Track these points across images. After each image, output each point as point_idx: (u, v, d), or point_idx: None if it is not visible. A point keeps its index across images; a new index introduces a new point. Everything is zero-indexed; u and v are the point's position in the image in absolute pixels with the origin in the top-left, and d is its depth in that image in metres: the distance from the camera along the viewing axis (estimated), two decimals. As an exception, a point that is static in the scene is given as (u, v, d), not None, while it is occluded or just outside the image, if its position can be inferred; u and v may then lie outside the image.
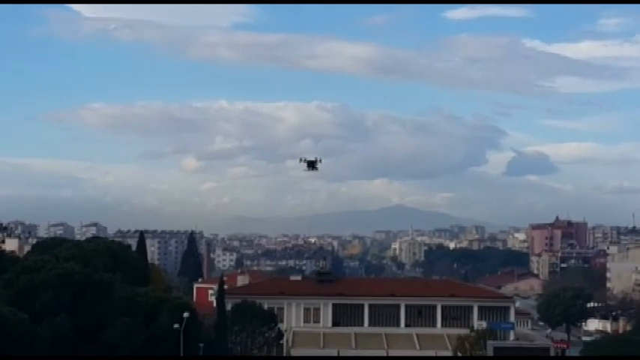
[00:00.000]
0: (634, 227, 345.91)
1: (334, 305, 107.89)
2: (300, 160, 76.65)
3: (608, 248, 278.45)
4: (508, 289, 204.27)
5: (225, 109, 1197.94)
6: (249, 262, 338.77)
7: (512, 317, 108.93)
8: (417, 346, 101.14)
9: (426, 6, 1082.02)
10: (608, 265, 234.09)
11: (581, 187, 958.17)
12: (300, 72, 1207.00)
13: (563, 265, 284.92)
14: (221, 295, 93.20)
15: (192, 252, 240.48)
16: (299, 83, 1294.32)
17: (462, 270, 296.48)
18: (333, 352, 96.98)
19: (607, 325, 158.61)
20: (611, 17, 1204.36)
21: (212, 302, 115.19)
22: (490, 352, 70.92)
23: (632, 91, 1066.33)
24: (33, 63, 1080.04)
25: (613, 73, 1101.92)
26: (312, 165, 76.08)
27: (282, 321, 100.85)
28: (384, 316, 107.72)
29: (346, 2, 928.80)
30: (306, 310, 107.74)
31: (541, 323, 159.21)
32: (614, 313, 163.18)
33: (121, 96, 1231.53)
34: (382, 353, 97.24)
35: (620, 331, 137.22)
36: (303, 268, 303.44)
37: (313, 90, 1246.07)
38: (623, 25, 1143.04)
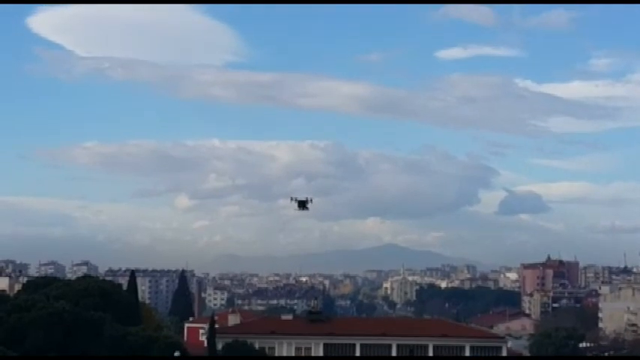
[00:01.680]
0: (625, 267, 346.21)
1: (325, 345, 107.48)
2: (292, 199, 76.84)
3: (600, 288, 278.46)
4: (500, 328, 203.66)
5: (218, 148, 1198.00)
6: (240, 302, 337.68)
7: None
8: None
9: (419, 45, 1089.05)
10: (600, 305, 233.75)
11: (572, 226, 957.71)
12: (293, 110, 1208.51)
13: (555, 305, 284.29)
14: (212, 334, 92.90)
15: (184, 291, 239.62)
16: (292, 122, 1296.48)
17: (454, 309, 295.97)
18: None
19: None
20: (601, 57, 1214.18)
21: (203, 342, 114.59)
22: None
23: (624, 130, 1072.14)
24: (26, 101, 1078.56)
25: (605, 112, 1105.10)
26: (303, 205, 76.28)
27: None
28: (375, 355, 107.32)
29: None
30: (298, 349, 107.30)
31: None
32: (606, 354, 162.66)
33: (115, 135, 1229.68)
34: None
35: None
36: (295, 307, 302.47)
37: (306, 128, 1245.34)
38: (614, 65, 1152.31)
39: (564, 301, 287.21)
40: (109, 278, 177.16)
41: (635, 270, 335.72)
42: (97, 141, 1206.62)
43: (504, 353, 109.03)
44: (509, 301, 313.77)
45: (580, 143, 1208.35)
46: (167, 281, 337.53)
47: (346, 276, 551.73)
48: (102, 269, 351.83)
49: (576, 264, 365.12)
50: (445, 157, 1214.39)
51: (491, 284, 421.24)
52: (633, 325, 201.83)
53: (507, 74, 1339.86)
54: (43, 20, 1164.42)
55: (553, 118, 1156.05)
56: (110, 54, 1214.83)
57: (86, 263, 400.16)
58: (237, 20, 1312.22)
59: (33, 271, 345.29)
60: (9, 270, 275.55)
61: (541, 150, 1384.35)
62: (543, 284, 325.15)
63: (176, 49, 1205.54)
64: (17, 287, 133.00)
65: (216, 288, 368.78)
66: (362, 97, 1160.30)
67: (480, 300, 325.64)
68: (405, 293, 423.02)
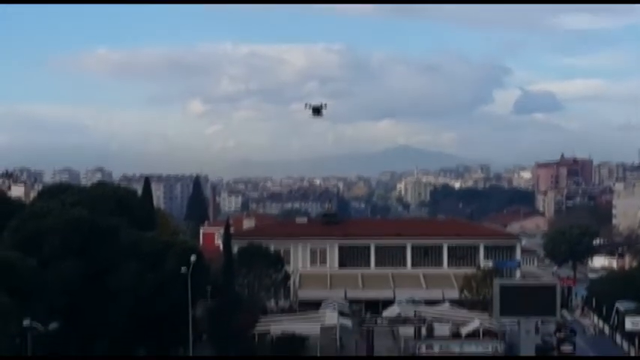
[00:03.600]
0: (639, 163, 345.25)
1: (340, 247, 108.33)
2: (306, 105, 76.01)
3: (614, 185, 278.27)
4: (514, 227, 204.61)
5: (231, 53, 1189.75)
6: (254, 205, 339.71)
7: (518, 256, 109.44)
8: (424, 286, 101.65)
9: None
10: (613, 202, 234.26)
11: (587, 124, 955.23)
12: (305, 14, 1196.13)
13: (568, 203, 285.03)
14: (227, 238, 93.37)
15: (198, 196, 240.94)
16: (305, 25, 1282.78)
17: (468, 209, 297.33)
18: (340, 293, 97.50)
19: (613, 262, 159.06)
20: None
21: (219, 246, 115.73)
22: (496, 291, 71.13)
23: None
24: (37, 8, 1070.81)
25: (621, 8, 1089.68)
26: (317, 111, 75.48)
27: (288, 263, 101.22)
28: (390, 256, 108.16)
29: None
30: (313, 252, 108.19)
31: (547, 261, 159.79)
32: (620, 250, 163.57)
33: (127, 41, 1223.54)
34: (389, 294, 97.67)
35: (626, 267, 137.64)
36: (309, 210, 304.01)
37: (319, 32, 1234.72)
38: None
39: (578, 199, 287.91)
40: (123, 184, 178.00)
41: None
42: (109, 48, 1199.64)
43: (518, 252, 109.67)
44: (523, 200, 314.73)
45: (595, 40, 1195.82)
46: (181, 186, 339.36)
47: (360, 178, 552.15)
48: (116, 175, 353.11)
49: (590, 162, 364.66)
50: (459, 57, 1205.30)
51: (505, 184, 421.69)
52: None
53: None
54: None
55: (568, 15, 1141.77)
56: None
57: (100, 169, 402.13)
58: None
59: (48, 178, 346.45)
60: (24, 177, 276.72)
61: (556, 48, 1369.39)
62: (557, 182, 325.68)
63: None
64: (32, 195, 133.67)
65: (230, 192, 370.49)
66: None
67: (493, 199, 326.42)
68: (419, 194, 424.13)
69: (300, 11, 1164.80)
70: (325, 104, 75.39)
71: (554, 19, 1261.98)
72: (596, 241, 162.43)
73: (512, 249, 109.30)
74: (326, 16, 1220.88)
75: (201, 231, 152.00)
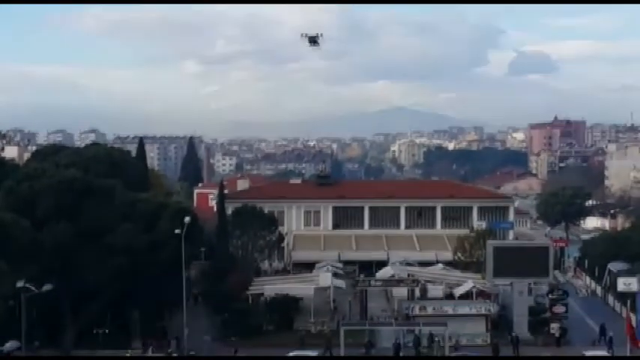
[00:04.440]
0: (632, 125, 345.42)
1: (334, 208, 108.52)
2: (302, 35, 75.21)
3: (606, 146, 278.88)
4: (507, 188, 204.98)
5: (226, 13, 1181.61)
6: (248, 167, 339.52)
7: (511, 217, 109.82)
8: (417, 247, 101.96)
9: None
10: (606, 164, 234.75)
11: (581, 85, 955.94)
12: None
13: (561, 164, 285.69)
14: (221, 199, 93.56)
15: (192, 157, 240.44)
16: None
17: (461, 171, 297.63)
18: (334, 255, 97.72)
19: (605, 223, 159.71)
20: None
21: (213, 207, 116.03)
22: (490, 252, 71.42)
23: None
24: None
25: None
26: (313, 40, 74.81)
27: (282, 224, 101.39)
28: (384, 217, 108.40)
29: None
30: (307, 213, 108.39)
31: (540, 222, 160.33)
32: (612, 211, 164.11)
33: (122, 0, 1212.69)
34: (383, 255, 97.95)
35: (619, 228, 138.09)
36: (303, 171, 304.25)
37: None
38: None
39: (571, 160, 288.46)
40: (117, 145, 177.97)
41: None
42: (103, 7, 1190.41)
43: (512, 213, 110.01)
44: (516, 161, 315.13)
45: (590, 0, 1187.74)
46: (175, 147, 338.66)
47: (354, 139, 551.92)
48: (110, 137, 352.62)
49: (583, 123, 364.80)
50: (455, 17, 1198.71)
51: (498, 145, 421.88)
52: (639, 182, 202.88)
53: None
54: None
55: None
56: None
57: (94, 131, 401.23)
58: None
59: (41, 140, 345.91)
60: (17, 138, 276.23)
61: (551, 8, 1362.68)
62: (550, 144, 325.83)
63: None
64: (26, 156, 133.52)
65: (224, 154, 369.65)
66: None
67: (487, 161, 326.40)
68: (413, 155, 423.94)
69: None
70: (321, 34, 74.60)
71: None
72: (589, 203, 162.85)
73: (505, 210, 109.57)
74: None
75: (195, 192, 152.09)
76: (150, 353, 64.01)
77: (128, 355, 63.63)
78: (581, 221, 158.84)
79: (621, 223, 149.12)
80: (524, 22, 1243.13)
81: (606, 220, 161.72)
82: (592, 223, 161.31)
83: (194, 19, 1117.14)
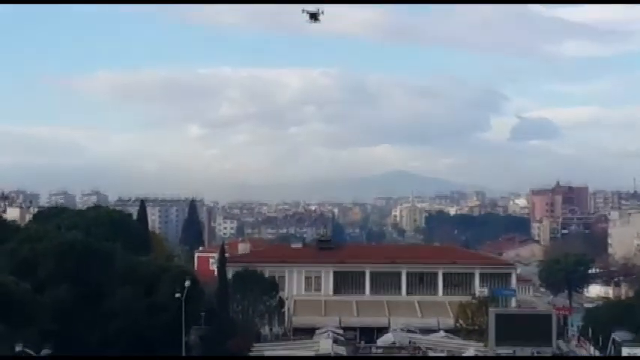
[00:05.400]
0: (635, 192, 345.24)
1: (335, 273, 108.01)
2: (302, 11, 73.66)
3: (609, 213, 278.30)
4: (509, 255, 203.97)
5: (229, 76, 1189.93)
6: (250, 230, 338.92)
7: (513, 284, 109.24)
8: (419, 314, 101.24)
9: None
10: (609, 231, 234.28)
11: (583, 151, 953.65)
12: (303, 37, 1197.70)
13: (564, 231, 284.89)
14: (222, 263, 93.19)
15: (193, 220, 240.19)
16: (302, 49, 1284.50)
17: (463, 236, 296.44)
18: (335, 320, 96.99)
19: (609, 291, 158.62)
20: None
21: (213, 270, 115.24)
22: (492, 320, 70.83)
23: (637, 53, 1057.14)
24: (35, 28, 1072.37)
25: (618, 35, 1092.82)
26: (314, 16, 73.65)
27: (283, 289, 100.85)
28: (385, 283, 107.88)
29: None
30: (307, 277, 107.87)
31: (543, 290, 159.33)
32: (616, 279, 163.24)
33: (125, 63, 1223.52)
34: (384, 321, 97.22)
35: (623, 296, 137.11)
36: (304, 235, 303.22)
37: (316, 55, 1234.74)
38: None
39: (573, 227, 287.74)
40: (118, 208, 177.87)
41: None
42: (107, 70, 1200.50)
43: (514, 280, 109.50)
44: (518, 227, 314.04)
45: (592, 67, 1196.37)
46: (177, 210, 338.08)
47: (355, 203, 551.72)
48: (112, 198, 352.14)
49: (585, 189, 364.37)
50: (457, 83, 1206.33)
51: (500, 210, 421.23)
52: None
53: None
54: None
55: (566, 42, 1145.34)
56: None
57: (96, 193, 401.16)
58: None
59: (43, 201, 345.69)
60: (19, 200, 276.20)
61: (553, 75, 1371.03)
62: (552, 210, 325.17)
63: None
64: (28, 217, 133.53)
65: (225, 217, 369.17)
66: (373, 22, 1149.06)
67: (489, 226, 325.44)
68: (415, 220, 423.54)
69: (298, 35, 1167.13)
70: (322, 11, 72.94)
71: (551, 46, 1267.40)
72: (592, 270, 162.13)
73: (507, 277, 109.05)
74: (323, 38, 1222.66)
75: (196, 255, 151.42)
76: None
77: None
78: (585, 289, 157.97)
79: (625, 291, 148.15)
80: (526, 88, 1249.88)
81: (610, 288, 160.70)
82: (595, 291, 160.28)
83: (197, 82, 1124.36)
